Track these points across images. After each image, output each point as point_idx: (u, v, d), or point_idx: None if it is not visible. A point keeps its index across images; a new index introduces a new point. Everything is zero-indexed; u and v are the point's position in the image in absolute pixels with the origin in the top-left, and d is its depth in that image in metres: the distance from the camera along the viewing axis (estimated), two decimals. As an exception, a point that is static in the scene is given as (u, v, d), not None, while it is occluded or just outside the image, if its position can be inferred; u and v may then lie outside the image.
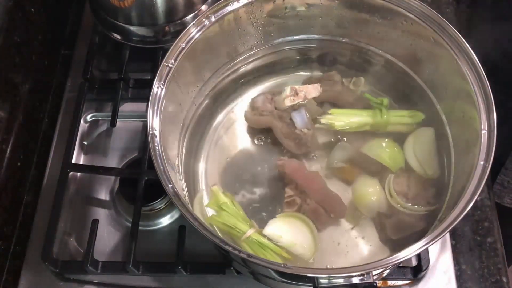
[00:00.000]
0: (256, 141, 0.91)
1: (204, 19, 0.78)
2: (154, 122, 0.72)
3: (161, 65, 0.75)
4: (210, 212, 0.81)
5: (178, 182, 0.76)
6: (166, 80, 0.75)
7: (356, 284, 0.61)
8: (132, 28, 0.97)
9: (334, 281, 0.62)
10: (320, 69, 0.95)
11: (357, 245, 0.81)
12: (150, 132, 0.71)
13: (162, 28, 0.96)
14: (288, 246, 0.77)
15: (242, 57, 0.90)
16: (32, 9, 0.98)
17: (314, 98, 0.88)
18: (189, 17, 0.97)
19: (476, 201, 0.64)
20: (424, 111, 0.86)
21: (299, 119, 0.86)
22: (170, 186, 0.68)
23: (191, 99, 0.86)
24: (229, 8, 0.80)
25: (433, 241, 0.62)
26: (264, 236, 0.77)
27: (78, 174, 0.93)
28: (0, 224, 0.86)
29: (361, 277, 0.61)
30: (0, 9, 0.88)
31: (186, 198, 0.78)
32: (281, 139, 0.87)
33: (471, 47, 0.73)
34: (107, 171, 0.91)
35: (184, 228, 0.84)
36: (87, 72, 0.98)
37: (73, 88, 1.01)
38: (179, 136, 0.83)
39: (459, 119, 0.77)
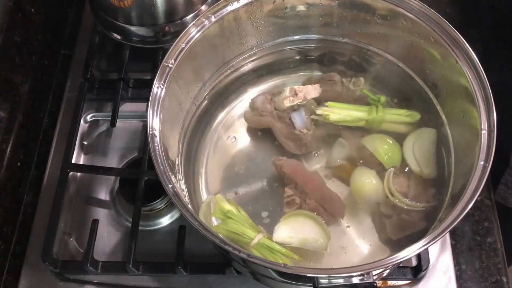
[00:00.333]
0: (255, 141, 0.91)
1: (204, 19, 0.78)
2: (154, 122, 0.72)
3: (161, 65, 0.75)
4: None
5: (178, 182, 0.76)
6: (166, 80, 0.75)
7: (356, 284, 0.61)
8: (132, 28, 0.97)
9: (334, 281, 0.62)
10: (320, 69, 0.95)
11: (357, 245, 0.81)
12: (150, 132, 0.71)
13: (162, 28, 0.96)
14: (301, 244, 0.77)
15: (242, 57, 0.90)
16: (32, 9, 0.98)
17: (313, 99, 0.88)
18: (189, 17, 0.97)
19: (476, 201, 0.64)
20: (424, 111, 0.86)
21: (299, 119, 0.87)
22: (170, 186, 0.68)
23: (191, 99, 0.86)
24: (229, 8, 0.80)
25: (433, 241, 0.62)
26: (273, 240, 0.77)
27: (78, 174, 0.93)
28: (0, 224, 0.86)
29: (361, 277, 0.61)
30: (0, 9, 0.88)
31: (186, 198, 0.77)
32: (281, 139, 0.87)
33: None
34: (107, 171, 0.91)
35: (184, 228, 0.84)
36: (87, 72, 0.98)
37: (73, 88, 1.01)
38: (179, 136, 0.83)
39: (459, 119, 0.77)
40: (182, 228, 0.84)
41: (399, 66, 0.87)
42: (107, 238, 0.88)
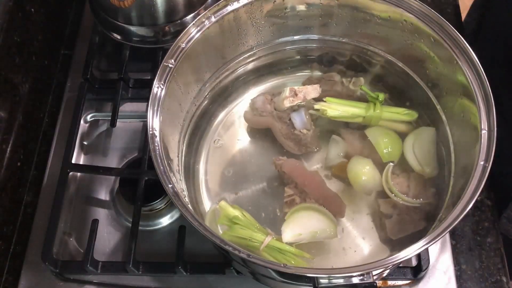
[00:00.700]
0: (255, 141, 0.91)
1: (204, 19, 0.78)
2: (154, 122, 0.72)
3: (161, 65, 0.75)
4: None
5: (178, 182, 0.76)
6: (166, 80, 0.75)
7: (356, 284, 0.61)
8: (132, 28, 0.97)
9: (334, 281, 0.62)
10: (320, 69, 0.95)
11: (357, 245, 0.81)
12: (150, 132, 0.71)
13: (162, 28, 0.96)
14: (312, 238, 0.77)
15: (242, 57, 0.90)
16: (32, 9, 0.98)
17: (313, 99, 0.88)
18: (189, 17, 0.97)
19: (476, 201, 0.64)
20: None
21: (299, 120, 0.87)
22: (170, 186, 0.68)
23: (191, 99, 0.86)
24: (229, 8, 0.80)
25: (433, 241, 0.62)
26: (284, 242, 0.76)
27: (78, 174, 0.93)
28: (0, 224, 0.86)
29: (361, 277, 0.61)
30: (0, 9, 0.88)
31: (186, 198, 0.77)
32: (281, 139, 0.87)
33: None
34: (107, 171, 0.91)
35: (184, 228, 0.84)
36: (87, 72, 0.98)
37: (73, 88, 1.01)
38: (179, 136, 0.83)
39: (459, 119, 0.77)
40: (182, 228, 0.84)
41: (399, 66, 0.87)
42: (107, 238, 0.88)
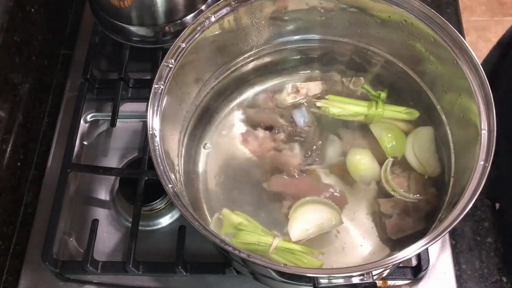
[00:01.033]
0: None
1: (204, 19, 0.78)
2: (154, 122, 0.72)
3: (161, 65, 0.75)
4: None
5: (178, 182, 0.76)
6: (166, 80, 0.75)
7: (356, 284, 0.61)
8: (132, 28, 0.97)
9: (334, 281, 0.62)
10: (320, 69, 0.94)
11: (357, 245, 0.81)
12: (150, 132, 0.71)
13: (162, 28, 0.96)
14: (319, 230, 0.77)
15: (242, 57, 0.90)
16: (32, 9, 0.98)
17: (315, 97, 0.88)
18: (189, 17, 0.97)
19: (476, 201, 0.64)
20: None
21: (300, 117, 0.87)
22: (170, 186, 0.67)
23: (191, 99, 0.86)
24: (229, 8, 0.80)
25: (433, 241, 0.62)
26: (292, 241, 0.76)
27: (78, 174, 0.93)
28: (0, 224, 0.86)
29: (361, 277, 0.61)
30: (0, 9, 0.88)
31: (186, 198, 0.77)
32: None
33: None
34: (107, 171, 0.91)
35: (184, 228, 0.84)
36: (87, 72, 0.98)
37: (73, 88, 1.01)
38: (179, 136, 0.83)
39: (459, 119, 0.77)
40: (182, 228, 0.84)
41: (399, 66, 0.87)
42: (107, 238, 0.88)
